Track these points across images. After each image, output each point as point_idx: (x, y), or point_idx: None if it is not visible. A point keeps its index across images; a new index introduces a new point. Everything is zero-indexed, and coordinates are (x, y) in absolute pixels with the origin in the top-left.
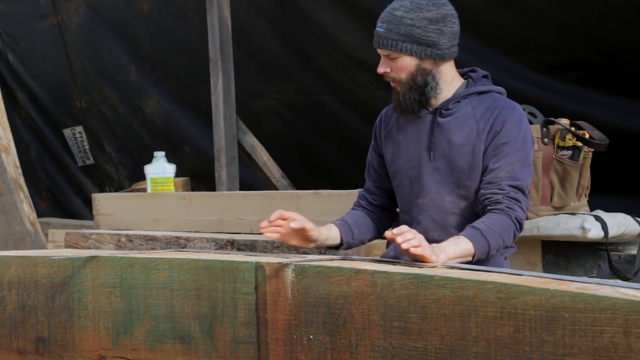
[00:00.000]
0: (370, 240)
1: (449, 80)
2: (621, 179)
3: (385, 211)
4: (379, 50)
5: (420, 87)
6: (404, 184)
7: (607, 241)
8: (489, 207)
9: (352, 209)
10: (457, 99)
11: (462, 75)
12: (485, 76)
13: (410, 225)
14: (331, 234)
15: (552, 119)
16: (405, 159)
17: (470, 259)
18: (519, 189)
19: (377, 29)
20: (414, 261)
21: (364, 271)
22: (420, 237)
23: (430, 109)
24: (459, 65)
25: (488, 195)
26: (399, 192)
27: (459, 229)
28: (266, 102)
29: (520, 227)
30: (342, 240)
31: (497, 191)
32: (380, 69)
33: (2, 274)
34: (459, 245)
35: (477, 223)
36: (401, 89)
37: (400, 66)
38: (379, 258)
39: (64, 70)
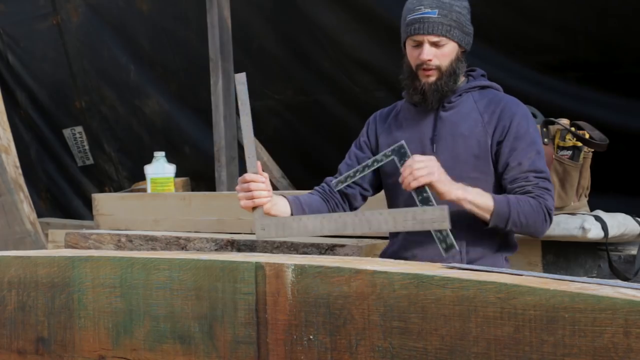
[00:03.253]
0: None
1: (461, 74)
2: (621, 179)
3: (346, 201)
4: (427, 37)
5: (456, 75)
6: None
7: (607, 241)
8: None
9: (310, 192)
10: (459, 92)
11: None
12: (483, 75)
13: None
14: (284, 209)
15: (552, 119)
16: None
17: (487, 216)
18: (547, 179)
19: (423, 14)
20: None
21: (364, 271)
22: (431, 166)
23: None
24: None
25: (517, 189)
26: (398, 189)
27: (462, 221)
28: (266, 102)
29: (550, 217)
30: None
31: (526, 184)
32: (426, 56)
33: (2, 274)
34: (483, 198)
35: (510, 195)
36: (440, 76)
37: (445, 53)
38: (379, 258)
39: (64, 70)
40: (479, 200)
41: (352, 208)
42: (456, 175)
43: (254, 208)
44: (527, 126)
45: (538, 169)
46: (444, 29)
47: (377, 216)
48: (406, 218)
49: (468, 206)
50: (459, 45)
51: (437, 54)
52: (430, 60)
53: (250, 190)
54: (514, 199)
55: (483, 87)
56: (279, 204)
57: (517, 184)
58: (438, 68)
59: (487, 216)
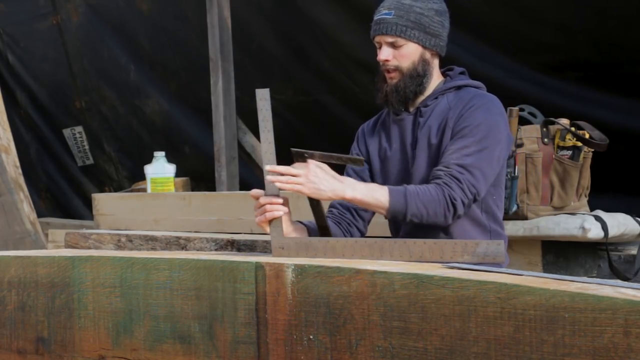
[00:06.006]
0: None
1: (435, 77)
2: (621, 179)
3: (357, 216)
4: (383, 37)
5: (420, 77)
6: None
7: (607, 241)
8: (430, 182)
9: None
10: (435, 95)
11: (442, 74)
12: (462, 72)
13: (400, 225)
14: (302, 233)
15: (552, 119)
16: (394, 163)
17: (383, 212)
18: (466, 169)
19: (381, 16)
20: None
21: (364, 271)
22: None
23: (412, 110)
24: (458, 64)
25: (433, 172)
26: None
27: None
28: None
29: (454, 207)
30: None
31: (442, 169)
32: (383, 56)
33: (2, 274)
34: (373, 194)
35: (410, 185)
36: (401, 77)
37: (404, 54)
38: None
39: (64, 70)
40: (370, 198)
41: (364, 220)
42: None
43: (270, 223)
44: (482, 119)
45: (465, 163)
46: (399, 29)
47: (421, 245)
48: (455, 249)
49: (360, 205)
50: (423, 47)
51: (396, 54)
52: (387, 60)
53: (262, 205)
54: (413, 190)
55: (459, 87)
56: (298, 228)
57: (437, 167)
58: (398, 69)
59: (383, 212)
